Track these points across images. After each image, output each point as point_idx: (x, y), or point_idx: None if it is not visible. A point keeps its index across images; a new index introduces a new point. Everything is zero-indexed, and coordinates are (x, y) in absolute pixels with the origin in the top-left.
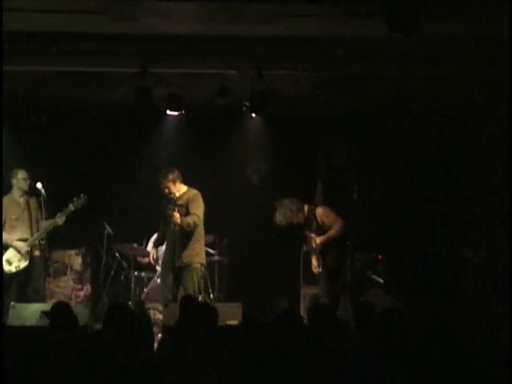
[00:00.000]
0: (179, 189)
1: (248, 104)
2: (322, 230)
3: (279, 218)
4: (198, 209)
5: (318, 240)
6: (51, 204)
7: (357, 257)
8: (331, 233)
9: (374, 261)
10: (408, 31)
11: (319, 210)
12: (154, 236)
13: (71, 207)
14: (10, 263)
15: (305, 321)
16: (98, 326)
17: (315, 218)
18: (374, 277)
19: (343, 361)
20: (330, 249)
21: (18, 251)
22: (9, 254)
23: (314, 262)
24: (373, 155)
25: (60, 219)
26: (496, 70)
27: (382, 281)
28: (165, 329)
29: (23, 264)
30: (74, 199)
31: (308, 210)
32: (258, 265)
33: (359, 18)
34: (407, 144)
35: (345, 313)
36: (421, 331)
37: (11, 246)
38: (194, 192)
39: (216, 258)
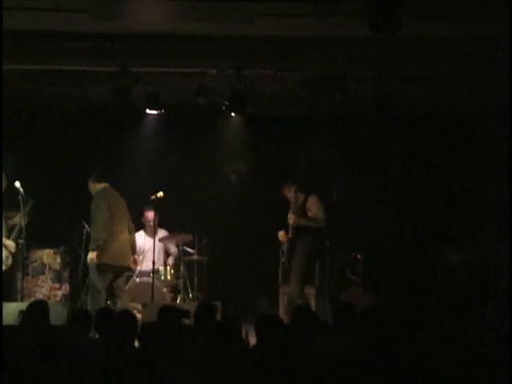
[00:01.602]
0: (92, 188)
1: (227, 103)
2: (304, 216)
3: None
4: (95, 211)
5: (295, 218)
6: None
7: (336, 256)
8: (311, 220)
9: (353, 260)
10: (389, 32)
11: (311, 198)
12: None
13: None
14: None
15: (284, 320)
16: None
17: (304, 204)
18: (353, 276)
19: (323, 361)
20: (299, 247)
21: (9, 250)
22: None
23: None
24: (353, 156)
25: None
26: (477, 70)
27: (361, 280)
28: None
29: (10, 262)
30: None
31: (302, 198)
32: (237, 264)
33: (341, 18)
34: (387, 145)
35: (324, 312)
36: (400, 330)
37: (3, 245)
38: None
39: (195, 257)
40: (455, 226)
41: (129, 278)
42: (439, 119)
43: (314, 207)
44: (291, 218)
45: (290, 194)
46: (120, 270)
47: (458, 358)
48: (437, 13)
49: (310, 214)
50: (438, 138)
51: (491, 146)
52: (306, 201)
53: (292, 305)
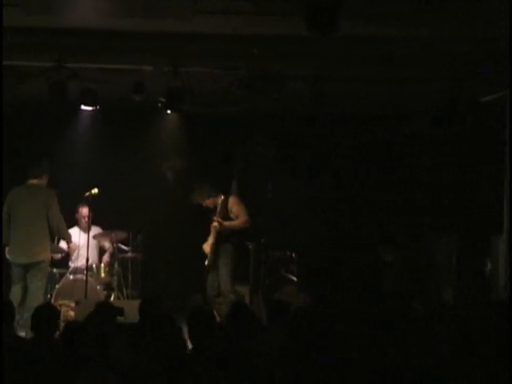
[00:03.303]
0: None
1: (164, 100)
2: (227, 218)
3: (195, 196)
4: None
5: (221, 222)
6: None
7: (270, 254)
8: (234, 222)
9: (287, 259)
10: (325, 31)
11: (232, 199)
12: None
13: None
14: None
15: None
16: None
17: (226, 207)
18: (287, 275)
19: (256, 359)
20: (225, 246)
21: None
22: None
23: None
24: (289, 154)
25: None
26: (412, 70)
27: (295, 279)
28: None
29: None
30: None
31: (222, 201)
32: (172, 261)
33: (278, 16)
34: (324, 144)
35: (258, 311)
36: (334, 329)
37: None
38: None
39: (129, 254)
40: (391, 224)
41: (62, 275)
42: (377, 118)
43: (235, 208)
44: (217, 222)
45: (213, 201)
46: (22, 265)
47: (388, 354)
48: (374, 13)
49: (232, 216)
50: (375, 138)
51: (428, 144)
52: (226, 203)
53: (225, 301)
